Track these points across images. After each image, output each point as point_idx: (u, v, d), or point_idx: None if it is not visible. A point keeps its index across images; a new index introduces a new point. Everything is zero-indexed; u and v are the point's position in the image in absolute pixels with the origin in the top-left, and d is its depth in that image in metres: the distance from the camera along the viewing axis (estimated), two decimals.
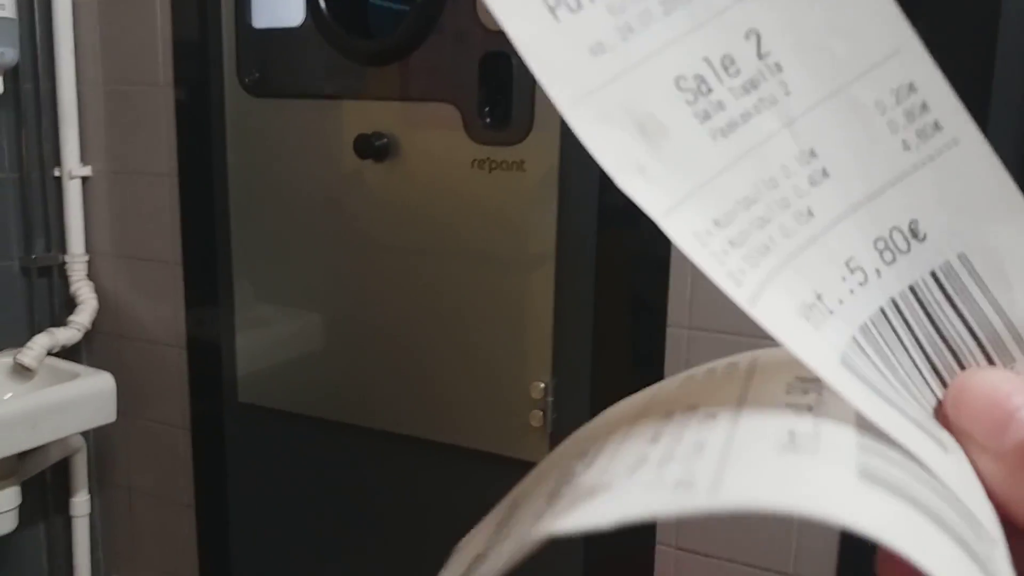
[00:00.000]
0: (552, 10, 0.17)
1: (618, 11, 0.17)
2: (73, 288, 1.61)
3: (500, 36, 1.14)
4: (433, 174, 1.26)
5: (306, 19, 1.30)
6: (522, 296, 1.24)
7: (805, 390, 0.19)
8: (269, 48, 1.36)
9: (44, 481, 1.65)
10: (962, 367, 0.20)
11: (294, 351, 1.47)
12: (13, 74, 1.50)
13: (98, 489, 1.72)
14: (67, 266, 1.61)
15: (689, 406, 0.19)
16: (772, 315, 0.18)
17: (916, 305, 0.20)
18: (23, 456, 1.47)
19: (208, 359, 1.54)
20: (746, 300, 0.18)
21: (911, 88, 0.19)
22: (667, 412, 0.19)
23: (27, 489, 1.52)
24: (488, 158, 1.20)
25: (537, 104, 1.15)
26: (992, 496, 0.19)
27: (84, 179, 1.59)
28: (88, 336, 1.62)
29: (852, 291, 0.19)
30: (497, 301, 1.25)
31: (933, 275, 0.20)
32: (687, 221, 0.18)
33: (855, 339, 0.19)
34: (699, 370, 0.22)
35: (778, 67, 0.18)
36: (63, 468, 1.64)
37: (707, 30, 0.18)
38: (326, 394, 1.43)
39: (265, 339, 1.50)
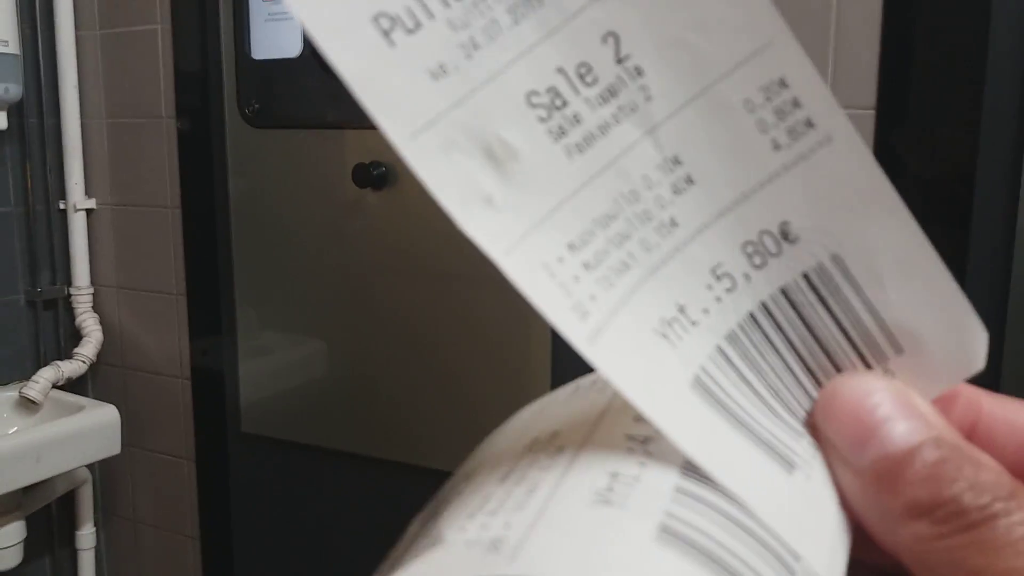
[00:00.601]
0: (386, 35, 0.15)
1: (461, 26, 0.16)
2: (78, 320, 1.61)
3: None
4: (431, 202, 1.24)
5: (304, 50, 1.31)
6: (520, 323, 1.23)
7: None
8: (268, 79, 1.37)
9: (50, 514, 1.65)
10: (838, 369, 0.20)
11: (297, 380, 1.47)
12: (18, 109, 1.51)
13: (103, 521, 1.72)
14: (72, 299, 1.61)
15: (552, 432, 0.19)
16: (616, 348, 0.17)
17: (788, 307, 0.19)
18: (28, 490, 1.47)
19: (211, 389, 1.54)
20: (585, 338, 0.17)
21: (782, 84, 0.18)
22: (532, 439, 0.19)
23: (32, 523, 1.52)
24: None
25: None
26: (848, 508, 0.18)
27: (88, 211, 1.60)
28: (93, 368, 1.62)
29: (719, 299, 0.19)
30: (496, 328, 1.25)
31: (805, 277, 0.19)
32: (537, 250, 0.17)
33: (719, 348, 0.19)
34: (586, 380, 0.22)
35: (638, 71, 0.17)
36: (68, 501, 1.64)
37: (560, 37, 0.17)
38: (329, 423, 1.43)
39: (268, 368, 1.50)
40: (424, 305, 1.30)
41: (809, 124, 0.18)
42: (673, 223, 0.18)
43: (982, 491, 0.17)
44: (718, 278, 0.19)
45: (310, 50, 1.31)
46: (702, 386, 0.18)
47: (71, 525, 1.66)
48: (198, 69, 1.44)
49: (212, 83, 1.42)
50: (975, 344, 0.19)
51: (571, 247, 0.17)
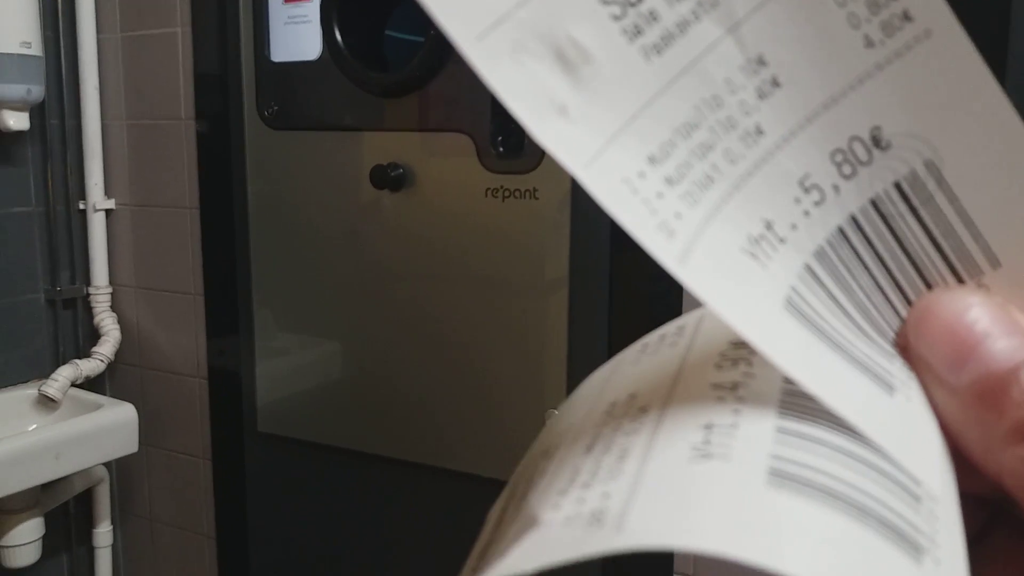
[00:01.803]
0: None
1: None
2: (97, 320, 1.63)
3: None
4: (448, 203, 1.26)
5: (323, 52, 1.32)
6: (537, 323, 1.23)
7: (736, 360, 0.18)
8: (287, 82, 1.38)
9: (67, 512, 1.66)
10: (929, 286, 0.18)
11: (313, 380, 1.48)
12: (40, 110, 1.53)
13: (120, 520, 1.73)
14: (91, 298, 1.63)
15: (630, 394, 0.18)
16: (706, 268, 0.16)
17: (878, 220, 0.18)
18: (46, 487, 1.49)
19: (228, 389, 1.55)
20: (676, 258, 0.16)
21: None
22: (610, 404, 0.18)
23: (50, 520, 1.53)
24: (501, 186, 1.21)
25: None
26: (946, 430, 0.17)
27: (108, 212, 1.62)
28: (111, 367, 1.63)
29: (807, 212, 0.17)
30: (512, 328, 1.25)
31: (897, 186, 0.18)
32: (616, 165, 0.15)
33: (808, 267, 0.17)
34: (652, 337, 0.21)
35: None
36: (86, 499, 1.65)
37: None
38: (345, 423, 1.44)
39: (284, 368, 1.51)
40: (440, 306, 1.31)
41: (906, 17, 0.16)
42: (759, 131, 0.17)
43: None
44: (806, 190, 0.17)
45: (328, 53, 1.32)
46: (794, 307, 0.17)
47: (88, 523, 1.67)
48: (217, 71, 1.45)
49: (231, 85, 1.43)
50: None
51: (652, 160, 0.16)
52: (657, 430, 0.16)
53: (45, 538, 1.50)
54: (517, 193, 1.20)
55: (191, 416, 1.60)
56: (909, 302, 0.18)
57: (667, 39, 0.16)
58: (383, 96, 1.29)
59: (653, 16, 0.15)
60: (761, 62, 0.16)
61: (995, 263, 0.18)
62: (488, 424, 1.29)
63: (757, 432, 0.15)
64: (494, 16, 0.14)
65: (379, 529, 1.45)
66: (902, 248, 0.18)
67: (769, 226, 0.17)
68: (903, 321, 0.18)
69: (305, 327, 1.47)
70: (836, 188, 0.17)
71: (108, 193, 1.62)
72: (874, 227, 0.18)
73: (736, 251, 0.17)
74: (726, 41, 0.16)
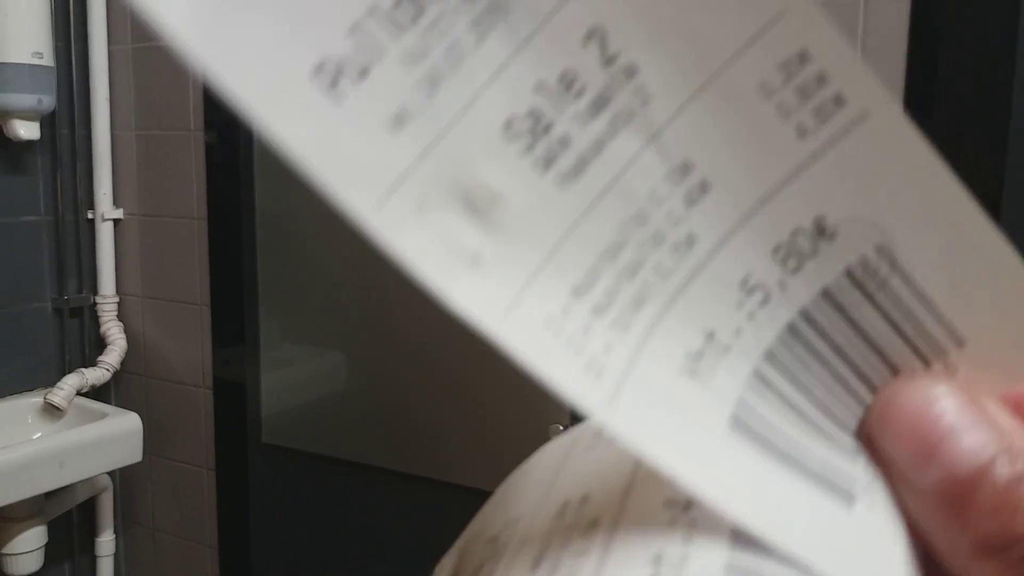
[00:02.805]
0: (332, 88, 0.13)
1: (418, 57, 0.13)
2: (103, 329, 1.63)
3: None
4: None
5: None
6: None
7: None
8: None
9: (70, 520, 1.66)
10: (894, 371, 0.17)
11: (318, 392, 1.48)
12: (50, 120, 1.54)
13: (123, 529, 1.73)
14: (98, 307, 1.63)
15: (582, 496, 0.17)
16: (638, 406, 0.15)
17: (831, 310, 0.17)
18: (50, 495, 1.49)
19: (233, 400, 1.55)
20: (603, 400, 0.15)
21: (803, 57, 0.15)
22: (562, 505, 0.17)
23: (53, 528, 1.53)
24: None
25: None
26: (914, 531, 0.16)
27: (116, 221, 1.63)
28: (116, 376, 1.64)
29: (752, 315, 0.16)
30: None
31: (848, 274, 0.17)
32: (536, 308, 0.15)
33: (757, 372, 0.17)
34: None
35: (631, 70, 0.15)
36: (89, 508, 1.65)
37: (535, 46, 0.14)
38: (350, 436, 1.44)
39: (290, 380, 1.51)
40: (446, 321, 1.31)
41: (839, 101, 0.15)
42: (690, 240, 0.16)
43: None
44: (749, 292, 0.16)
45: None
46: (742, 424, 0.16)
47: (91, 532, 1.67)
48: None
49: None
50: None
51: (576, 292, 0.15)
52: (606, 557, 0.15)
53: (48, 546, 1.50)
54: None
55: (195, 426, 1.60)
56: (875, 389, 0.17)
57: (582, 162, 0.15)
58: None
59: (565, 142, 0.15)
60: (687, 168, 0.15)
61: (960, 342, 0.17)
62: (491, 438, 1.29)
63: (706, 569, 0.14)
64: (394, 174, 0.14)
65: (381, 541, 1.45)
66: (861, 336, 0.17)
67: (710, 337, 0.16)
68: (868, 410, 0.17)
69: (311, 338, 1.47)
70: (782, 285, 0.17)
71: (117, 203, 1.63)
72: (828, 318, 0.17)
73: (674, 374, 0.16)
74: (647, 152, 0.15)
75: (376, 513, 1.45)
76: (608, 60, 0.14)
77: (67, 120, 1.58)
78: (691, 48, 0.15)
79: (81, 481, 1.50)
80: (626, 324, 0.15)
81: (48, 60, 1.46)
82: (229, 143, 1.47)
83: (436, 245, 0.14)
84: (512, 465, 0.19)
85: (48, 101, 1.46)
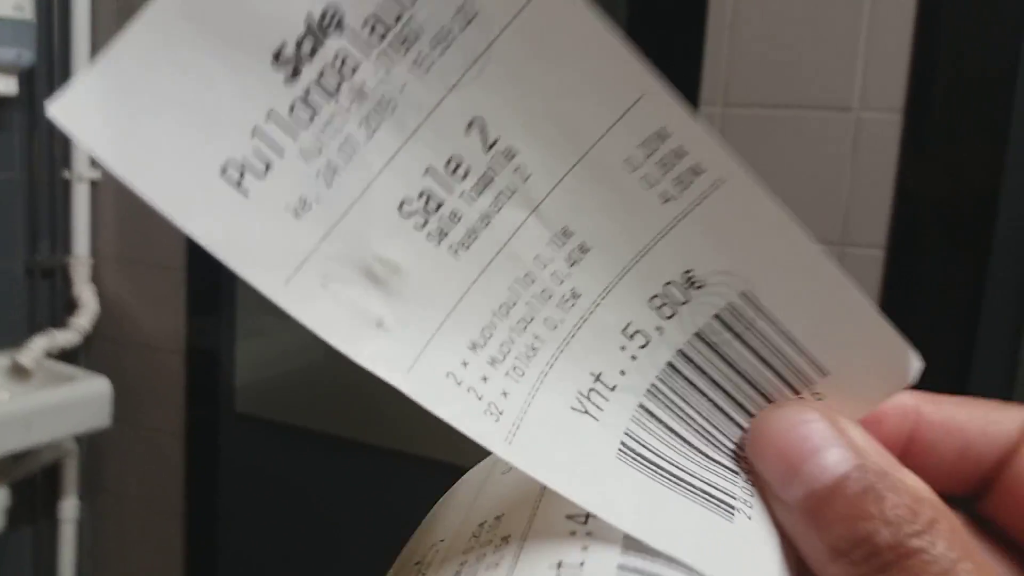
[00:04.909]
0: (238, 185, 0.15)
1: (314, 154, 0.15)
2: (75, 291, 1.60)
3: None
4: None
5: None
6: None
7: None
8: None
9: (34, 484, 1.64)
10: (768, 399, 0.20)
11: (294, 363, 1.47)
12: (28, 76, 1.50)
13: (88, 495, 1.70)
14: (70, 268, 1.61)
15: (496, 516, 0.18)
16: (535, 441, 0.17)
17: (706, 349, 0.19)
18: (14, 457, 1.46)
19: (207, 367, 1.53)
20: (503, 439, 0.17)
21: (661, 135, 0.17)
22: (479, 525, 0.18)
23: (16, 491, 1.50)
24: None
25: None
26: (790, 544, 0.18)
27: (93, 182, 1.60)
28: (87, 339, 1.61)
29: (634, 357, 0.19)
30: None
31: (718, 317, 0.19)
32: (438, 361, 0.17)
33: (642, 406, 0.19)
34: None
35: (510, 152, 0.17)
36: (54, 472, 1.63)
37: (422, 137, 0.16)
38: (325, 407, 1.43)
39: (266, 349, 1.49)
40: None
41: (696, 171, 0.17)
42: (575, 294, 0.18)
43: (898, 526, 0.16)
44: (630, 337, 0.19)
45: None
46: (629, 451, 0.18)
47: (55, 496, 1.65)
48: None
49: None
50: (901, 359, 0.19)
51: (474, 346, 0.17)
52: (514, 569, 0.16)
53: (10, 509, 1.48)
54: None
55: (167, 393, 1.58)
56: (752, 415, 0.20)
57: (472, 233, 0.17)
58: None
59: (455, 217, 0.16)
60: (566, 233, 0.18)
61: (823, 372, 0.19)
62: None
63: (600, 571, 0.16)
64: (299, 256, 0.15)
65: (351, 514, 1.44)
66: (735, 371, 0.19)
67: (598, 378, 0.18)
68: (745, 435, 0.20)
69: None
70: (659, 329, 0.19)
71: (94, 163, 1.60)
72: (704, 356, 0.19)
73: (566, 412, 0.18)
74: (530, 222, 0.17)
75: (348, 486, 1.44)
76: (489, 145, 0.16)
77: (46, 76, 1.55)
78: (561, 131, 0.17)
79: (47, 444, 1.47)
80: (521, 371, 0.17)
81: (29, 14, 1.43)
82: None
83: (342, 314, 0.16)
84: None
85: (28, 56, 1.43)
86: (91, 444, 1.68)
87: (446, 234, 0.16)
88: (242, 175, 0.15)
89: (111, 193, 1.60)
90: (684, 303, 0.19)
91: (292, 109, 0.15)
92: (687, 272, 0.18)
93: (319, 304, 0.15)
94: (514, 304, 0.17)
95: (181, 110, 0.14)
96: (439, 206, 0.16)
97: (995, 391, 0.99)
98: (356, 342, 0.16)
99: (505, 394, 0.17)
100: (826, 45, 1.01)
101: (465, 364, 0.17)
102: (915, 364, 0.19)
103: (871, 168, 1.01)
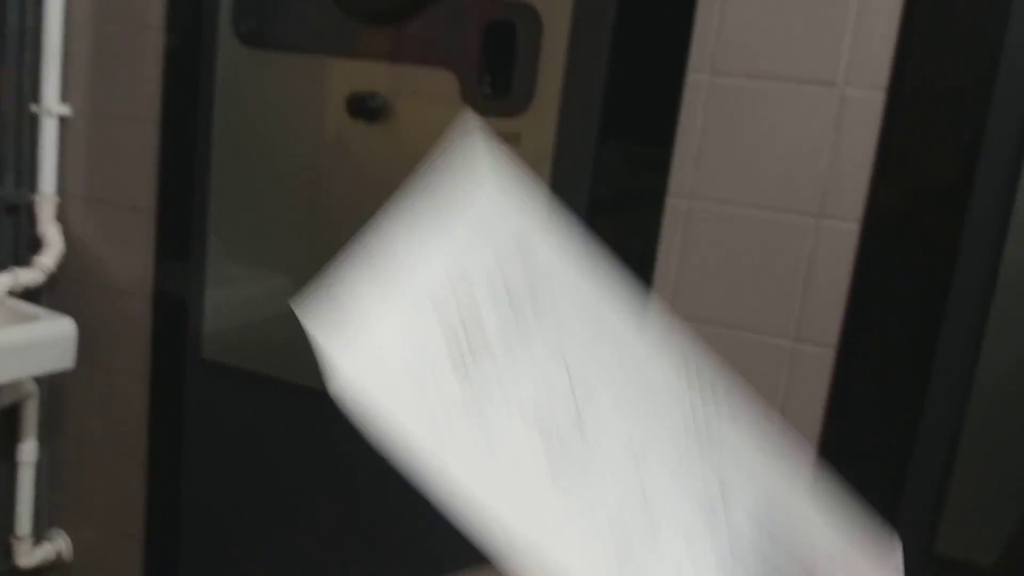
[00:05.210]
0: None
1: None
2: (40, 229, 1.56)
3: (506, 4, 1.13)
4: (424, 140, 1.24)
5: None
6: None
7: None
8: None
9: None
10: None
11: (263, 312, 1.45)
12: None
13: (48, 438, 1.67)
14: (36, 206, 1.56)
15: None
16: None
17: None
18: None
19: (173, 312, 1.50)
20: None
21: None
22: None
23: None
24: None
25: (539, 77, 1.14)
26: None
27: (62, 118, 1.55)
28: (52, 279, 1.57)
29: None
30: None
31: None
32: None
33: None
34: None
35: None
36: (12, 414, 1.60)
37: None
38: (293, 357, 1.41)
39: (235, 297, 1.47)
40: None
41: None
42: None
43: None
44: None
45: None
46: None
47: (14, 438, 1.62)
48: None
49: None
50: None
51: None
52: None
53: None
54: (499, 137, 1.18)
55: (132, 337, 1.55)
56: None
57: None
58: (368, 23, 1.26)
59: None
60: None
61: None
62: None
63: None
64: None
65: (319, 466, 1.43)
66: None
67: None
68: None
69: (260, 257, 1.43)
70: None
71: (64, 98, 1.55)
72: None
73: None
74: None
75: (312, 435, 1.43)
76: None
77: (17, 7, 1.49)
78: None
79: (6, 385, 1.44)
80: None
81: None
82: (191, 44, 1.41)
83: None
84: None
85: None
86: (52, 386, 1.65)
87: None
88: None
89: (81, 130, 1.55)
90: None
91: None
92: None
93: None
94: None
95: None
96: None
97: (959, 366, 1.01)
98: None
99: None
100: (815, 20, 1.01)
101: None
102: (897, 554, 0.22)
103: (851, 144, 1.01)
